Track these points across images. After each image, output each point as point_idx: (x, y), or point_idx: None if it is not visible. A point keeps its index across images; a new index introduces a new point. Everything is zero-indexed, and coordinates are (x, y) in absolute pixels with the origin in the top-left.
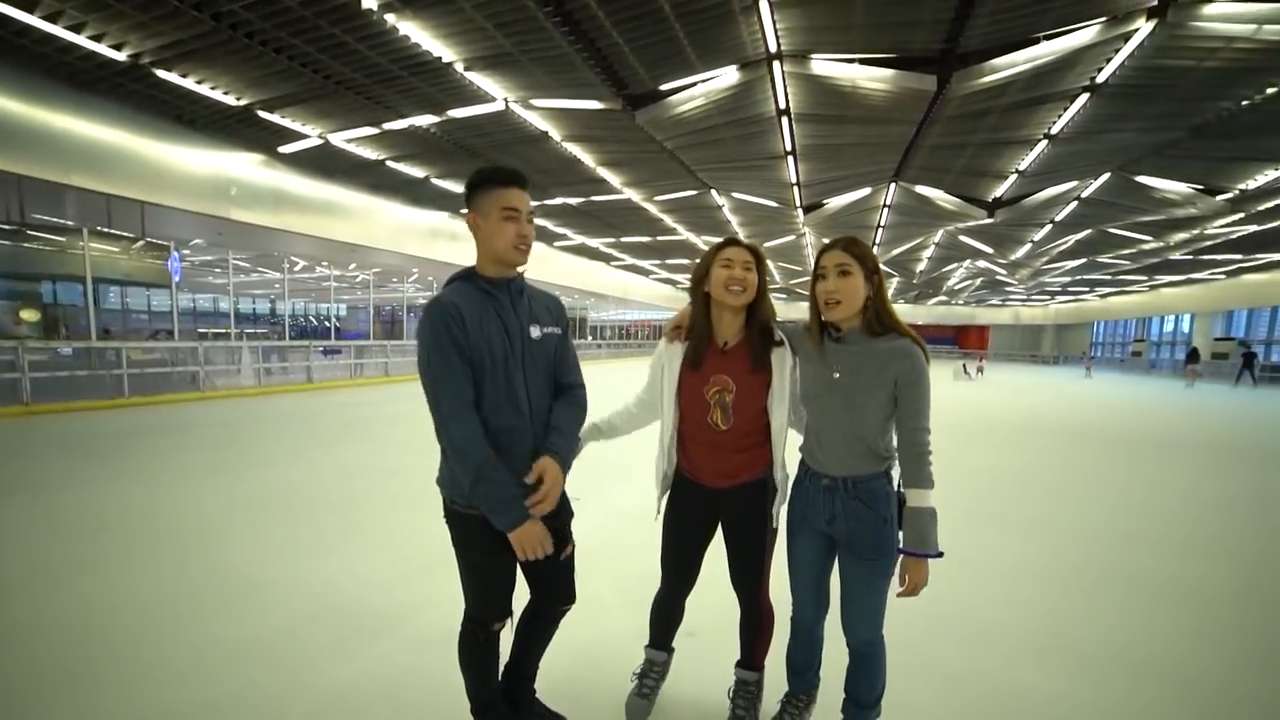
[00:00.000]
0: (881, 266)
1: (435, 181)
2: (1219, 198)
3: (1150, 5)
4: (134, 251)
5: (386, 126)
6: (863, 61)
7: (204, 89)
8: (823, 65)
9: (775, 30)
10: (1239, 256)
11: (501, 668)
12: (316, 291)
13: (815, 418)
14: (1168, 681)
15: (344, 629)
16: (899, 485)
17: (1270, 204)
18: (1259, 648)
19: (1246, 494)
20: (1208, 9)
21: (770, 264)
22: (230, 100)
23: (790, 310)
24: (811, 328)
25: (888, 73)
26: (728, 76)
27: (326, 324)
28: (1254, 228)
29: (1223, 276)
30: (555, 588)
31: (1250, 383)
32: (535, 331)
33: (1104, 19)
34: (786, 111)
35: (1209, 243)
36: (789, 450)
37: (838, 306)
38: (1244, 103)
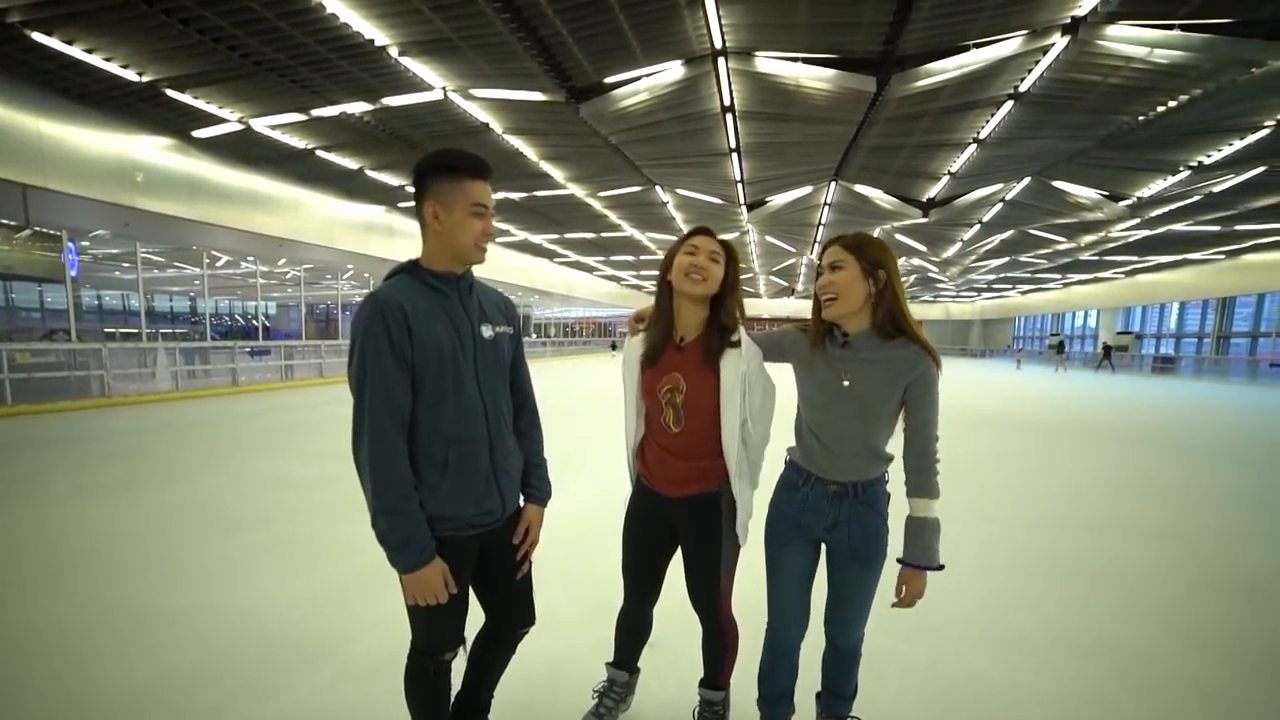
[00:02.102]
0: (890, 263)
1: (370, 174)
2: (1121, 203)
3: (1064, 22)
4: (18, 241)
5: (315, 113)
6: (806, 61)
7: (96, 60)
8: (767, 63)
9: (720, 26)
10: (1134, 258)
11: (452, 697)
12: (242, 289)
13: (821, 425)
14: (1108, 661)
15: (267, 663)
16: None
17: (1159, 211)
18: (1184, 623)
19: (1147, 474)
20: (1110, 30)
21: None
22: (130, 75)
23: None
24: (812, 329)
25: (830, 73)
26: (673, 71)
27: (254, 323)
28: (1146, 232)
29: (1122, 276)
30: (513, 610)
31: (1110, 370)
32: (487, 331)
33: (1026, 31)
34: (731, 108)
35: (1112, 245)
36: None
37: (833, 303)
38: (1140, 118)
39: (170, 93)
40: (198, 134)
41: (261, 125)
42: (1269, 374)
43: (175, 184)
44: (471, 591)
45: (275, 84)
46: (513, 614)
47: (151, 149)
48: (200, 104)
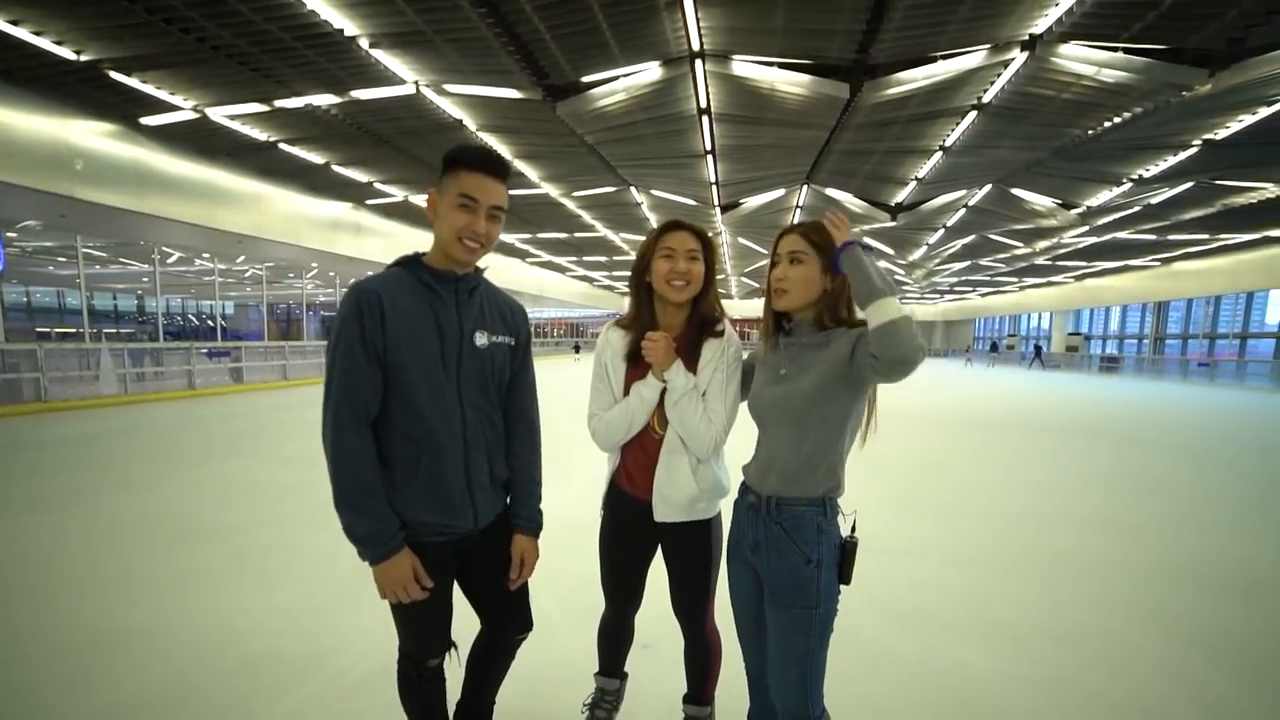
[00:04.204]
0: None
1: (336, 169)
2: (1072, 212)
3: (1023, 39)
4: None
5: (279, 104)
6: (782, 66)
7: (23, 33)
8: (743, 67)
9: (699, 29)
10: (1083, 263)
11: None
12: (196, 286)
13: (761, 424)
14: (1086, 648)
15: (246, 683)
16: (852, 528)
17: (1105, 219)
18: (1153, 611)
19: (1108, 468)
20: (1063, 48)
21: None
22: (66, 53)
23: None
24: (765, 323)
25: (804, 78)
26: (650, 72)
27: (208, 323)
28: (1094, 239)
29: (1072, 280)
30: (509, 616)
31: (1040, 367)
32: (481, 339)
33: (989, 45)
34: (707, 110)
35: (1063, 250)
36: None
37: (784, 295)
38: (1089, 132)
39: (114, 75)
40: (146, 121)
41: (219, 115)
42: (1197, 373)
43: (120, 174)
44: (467, 598)
45: (234, 72)
46: (508, 620)
47: (92, 135)
48: (149, 89)
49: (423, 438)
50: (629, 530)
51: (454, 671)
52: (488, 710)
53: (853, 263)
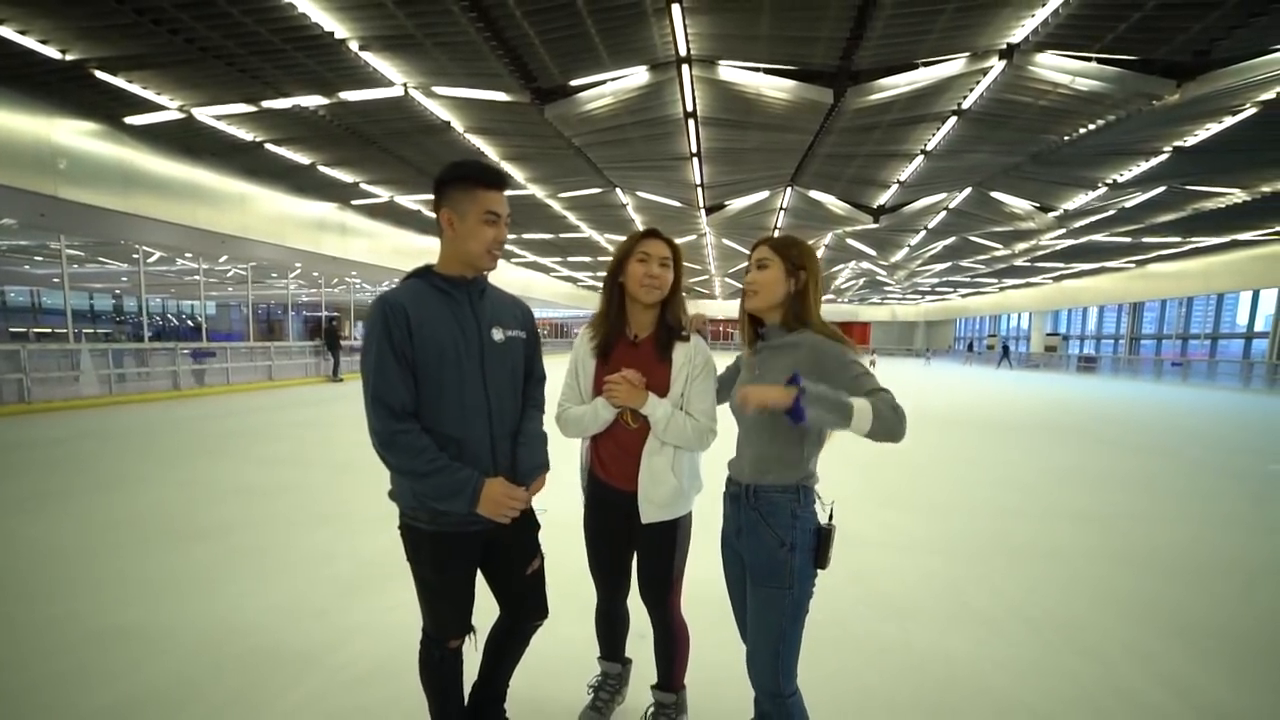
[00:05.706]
0: (812, 267)
1: (322, 169)
2: (1050, 215)
3: (1001, 48)
4: None
5: (266, 105)
6: (766, 71)
7: (7, 31)
8: (729, 72)
9: (686, 34)
10: (1061, 265)
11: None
12: (176, 286)
13: (738, 420)
14: (1059, 632)
15: (248, 676)
16: (830, 516)
17: (1082, 222)
18: (1120, 597)
19: (1080, 465)
20: (1039, 57)
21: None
22: (51, 52)
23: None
24: (743, 327)
25: (789, 83)
26: (638, 76)
27: (189, 322)
28: (1071, 241)
29: (1050, 282)
30: (525, 603)
31: (1009, 366)
32: (498, 334)
33: (968, 53)
34: (693, 114)
35: (1042, 252)
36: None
37: (754, 296)
38: (1065, 138)
39: (99, 74)
40: (131, 120)
41: (205, 115)
42: (1170, 372)
43: (105, 173)
44: (488, 585)
45: (222, 73)
46: (525, 608)
47: (76, 134)
48: (135, 89)
49: (450, 430)
50: (606, 516)
51: (470, 656)
52: (502, 691)
53: (812, 414)
